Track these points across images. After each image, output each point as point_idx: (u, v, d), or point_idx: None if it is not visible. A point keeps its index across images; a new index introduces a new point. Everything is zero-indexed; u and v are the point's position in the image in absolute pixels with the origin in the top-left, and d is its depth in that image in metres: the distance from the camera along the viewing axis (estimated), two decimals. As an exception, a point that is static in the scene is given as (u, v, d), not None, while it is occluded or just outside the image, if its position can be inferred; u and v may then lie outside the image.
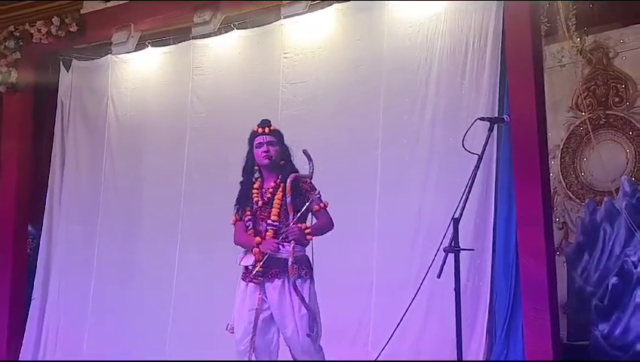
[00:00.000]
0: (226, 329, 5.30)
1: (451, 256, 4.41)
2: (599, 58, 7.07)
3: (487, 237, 6.55)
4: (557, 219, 6.99)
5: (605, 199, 6.64)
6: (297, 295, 5.05)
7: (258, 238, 5.20)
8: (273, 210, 5.21)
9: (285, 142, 5.42)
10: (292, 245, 5.07)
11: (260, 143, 5.35)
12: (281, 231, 5.16)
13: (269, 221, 5.20)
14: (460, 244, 4.45)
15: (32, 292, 9.09)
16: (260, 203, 5.30)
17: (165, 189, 8.50)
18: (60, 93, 9.36)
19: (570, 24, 6.95)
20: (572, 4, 6.94)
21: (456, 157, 6.30)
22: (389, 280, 6.87)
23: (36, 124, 9.32)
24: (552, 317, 6.08)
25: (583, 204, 6.89)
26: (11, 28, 8.98)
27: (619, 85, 6.99)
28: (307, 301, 5.08)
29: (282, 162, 5.34)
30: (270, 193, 5.28)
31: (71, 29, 8.60)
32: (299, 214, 5.11)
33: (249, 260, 5.23)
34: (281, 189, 5.22)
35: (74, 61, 9.28)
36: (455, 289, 4.44)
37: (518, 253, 6.32)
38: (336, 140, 7.29)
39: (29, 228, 9.28)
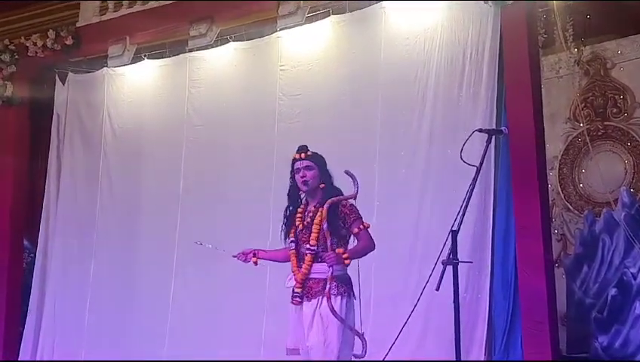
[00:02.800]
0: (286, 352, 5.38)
1: (450, 268, 4.39)
2: (597, 69, 7.06)
3: (485, 249, 6.53)
4: (556, 231, 6.96)
5: (604, 210, 6.61)
6: (335, 316, 5.07)
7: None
8: (312, 234, 5.25)
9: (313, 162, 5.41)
10: (330, 269, 5.09)
11: (297, 169, 5.40)
12: (319, 255, 5.20)
13: (308, 246, 5.25)
14: (459, 256, 4.42)
15: (27, 306, 9.05)
16: (300, 226, 5.36)
17: (162, 202, 8.48)
18: (55, 106, 9.36)
19: (567, 35, 6.95)
20: (569, 16, 6.93)
21: (454, 169, 6.28)
22: (388, 292, 6.85)
23: (32, 137, 9.32)
24: (551, 330, 6.05)
25: (582, 215, 6.87)
26: (7, 41, 9.00)
27: (617, 96, 6.98)
28: (344, 318, 5.11)
29: (322, 185, 5.38)
30: (310, 217, 5.33)
31: (67, 42, 8.61)
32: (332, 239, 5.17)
33: (293, 282, 5.32)
34: (319, 214, 5.25)
35: (70, 74, 9.27)
36: (454, 302, 4.42)
37: (517, 265, 6.30)
38: (333, 153, 7.17)
39: (25, 241, 9.26)
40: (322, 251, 5.19)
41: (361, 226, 5.28)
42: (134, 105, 8.85)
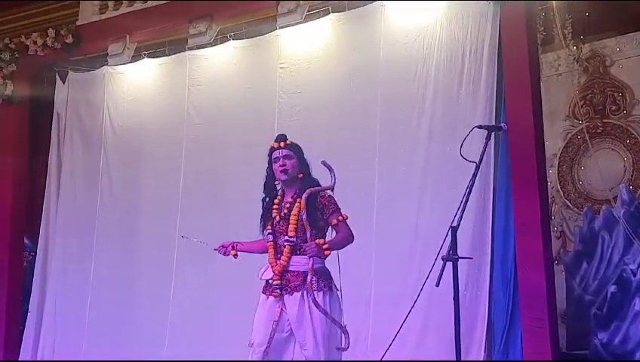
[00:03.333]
0: (249, 345, 5.30)
1: (449, 264, 4.40)
2: (596, 66, 7.05)
3: (485, 246, 6.53)
4: (555, 228, 6.96)
5: (603, 207, 6.62)
6: (318, 309, 5.05)
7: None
8: (290, 225, 5.21)
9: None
10: (311, 261, 5.05)
11: (276, 158, 5.37)
12: (298, 246, 5.17)
13: (286, 237, 5.21)
14: (458, 253, 4.43)
15: (28, 305, 9.06)
16: (277, 218, 5.32)
17: (162, 201, 8.48)
18: (56, 105, 9.37)
19: (566, 33, 6.94)
20: (568, 13, 6.93)
21: (454, 166, 6.31)
22: (388, 289, 6.85)
23: (32, 136, 9.32)
24: (551, 326, 6.06)
25: (581, 212, 6.87)
26: (7, 40, 9.00)
27: (616, 93, 6.97)
28: (329, 313, 5.09)
29: (300, 175, 5.35)
30: (287, 208, 5.29)
31: (67, 41, 8.62)
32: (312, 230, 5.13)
33: (269, 274, 5.27)
34: (297, 204, 5.22)
35: (70, 73, 9.28)
36: (454, 298, 4.43)
37: (517, 262, 6.31)
38: (332, 150, 7.24)
39: (26, 240, 9.27)
40: (301, 242, 5.15)
41: (340, 218, 5.25)
42: (134, 103, 8.86)
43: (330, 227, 5.28)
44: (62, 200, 9.19)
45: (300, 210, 5.16)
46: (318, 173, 5.40)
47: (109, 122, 8.98)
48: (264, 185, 5.51)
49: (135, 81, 8.86)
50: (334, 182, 5.27)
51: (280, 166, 5.33)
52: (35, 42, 8.77)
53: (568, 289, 6.62)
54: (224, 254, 5.54)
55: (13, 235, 9.02)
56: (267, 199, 5.49)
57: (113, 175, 8.93)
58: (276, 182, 5.46)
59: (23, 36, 8.89)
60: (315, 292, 5.06)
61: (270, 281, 5.25)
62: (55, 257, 9.12)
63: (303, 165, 5.39)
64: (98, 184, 8.94)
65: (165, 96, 8.67)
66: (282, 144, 5.40)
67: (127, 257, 8.63)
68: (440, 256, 4.44)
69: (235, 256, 5.52)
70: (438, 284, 4.33)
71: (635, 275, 6.11)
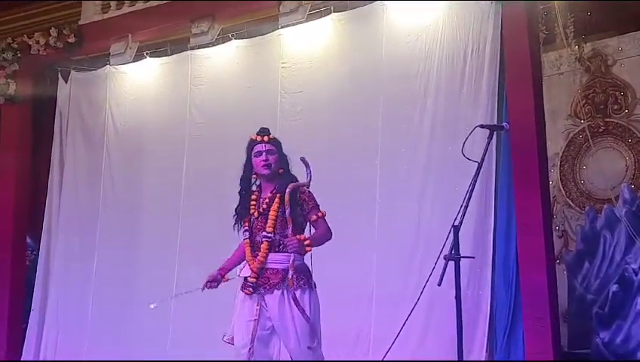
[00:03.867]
0: (223, 338, 5.27)
1: (451, 263, 4.40)
2: (597, 66, 7.04)
3: (487, 245, 6.54)
4: (557, 227, 6.95)
5: (605, 207, 6.61)
6: (297, 307, 4.98)
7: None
8: (269, 221, 5.12)
9: (284, 152, 5.35)
10: (292, 257, 5.00)
11: (258, 152, 5.26)
12: (277, 243, 5.11)
13: (264, 233, 5.13)
14: (460, 252, 4.43)
15: (30, 304, 9.07)
16: (256, 214, 5.24)
17: (164, 200, 8.49)
18: (58, 104, 9.38)
19: (568, 32, 6.93)
20: (570, 13, 6.92)
21: (455, 165, 6.31)
22: (389, 289, 6.86)
23: (34, 135, 9.34)
24: (552, 326, 6.07)
25: (583, 211, 6.86)
26: (9, 39, 9.02)
27: (617, 93, 6.96)
28: (308, 312, 5.02)
29: (281, 171, 5.25)
30: (266, 204, 5.19)
31: (69, 40, 8.63)
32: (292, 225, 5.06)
33: (247, 271, 5.18)
34: (277, 200, 5.13)
35: (72, 72, 9.30)
36: (456, 298, 4.43)
37: (518, 262, 6.31)
38: (334, 150, 7.28)
39: (28, 239, 9.28)
40: (281, 239, 5.08)
41: (319, 213, 5.17)
42: (136, 103, 8.86)
43: (308, 223, 5.19)
44: (64, 199, 9.21)
45: (284, 206, 5.07)
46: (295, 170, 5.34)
47: (112, 121, 8.99)
48: (241, 178, 5.41)
49: (137, 80, 8.87)
50: (310, 179, 5.20)
51: (263, 161, 5.23)
52: (37, 42, 8.78)
53: (570, 289, 6.61)
54: (216, 286, 5.41)
55: (15, 234, 9.03)
56: (243, 193, 5.38)
57: (115, 174, 8.94)
58: (253, 177, 5.38)
59: (25, 36, 8.91)
60: (296, 290, 4.99)
61: (248, 278, 5.16)
62: (57, 256, 9.13)
63: (283, 160, 5.29)
64: (100, 183, 8.96)
65: (167, 95, 8.68)
66: (265, 138, 5.30)
67: (129, 255, 8.64)
68: (442, 255, 4.44)
69: (226, 280, 5.40)
70: (440, 284, 4.32)
71: (636, 274, 6.10)
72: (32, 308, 9.09)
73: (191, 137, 8.40)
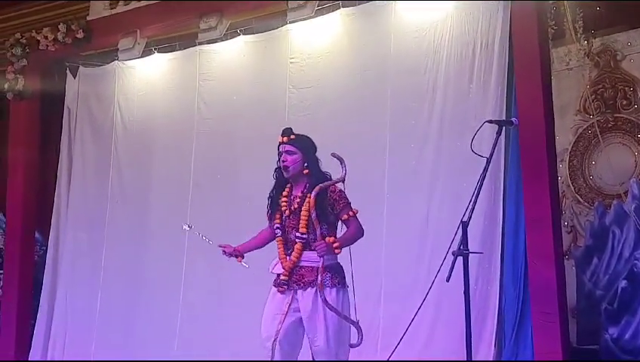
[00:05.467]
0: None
1: (460, 259, 4.39)
2: (607, 61, 7.04)
3: (495, 240, 6.52)
4: (566, 223, 6.96)
5: (614, 202, 6.61)
6: (329, 308, 4.98)
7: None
8: (301, 221, 5.13)
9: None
10: (321, 260, 4.99)
11: (279, 153, 5.29)
12: (312, 241, 5.09)
13: (297, 234, 5.15)
14: (469, 248, 4.43)
15: (39, 299, 9.10)
16: (287, 212, 5.25)
17: (172, 196, 8.49)
18: (66, 99, 9.39)
19: (577, 27, 6.94)
20: (579, 8, 6.92)
21: (464, 160, 6.30)
22: (398, 284, 6.85)
23: (43, 131, 9.34)
24: (561, 322, 6.05)
25: (592, 207, 6.87)
26: (18, 35, 9.02)
27: (627, 88, 6.96)
28: (341, 310, 5.04)
29: (305, 171, 5.24)
30: (297, 203, 5.21)
31: (77, 36, 8.63)
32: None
33: (280, 268, 5.21)
34: (307, 200, 5.12)
35: (80, 68, 9.31)
36: (464, 293, 4.43)
37: (527, 257, 6.30)
38: (343, 145, 7.20)
39: (37, 235, 9.30)
40: (312, 240, 5.07)
41: (350, 213, 5.16)
42: (145, 98, 8.86)
43: (339, 222, 5.21)
44: (73, 195, 9.22)
45: (310, 208, 5.07)
46: (330, 165, 5.31)
47: (120, 117, 9.00)
48: (274, 176, 5.42)
49: (146, 76, 8.87)
50: (345, 174, 5.18)
51: (282, 162, 5.25)
52: (46, 37, 8.78)
53: (579, 284, 6.62)
54: (228, 256, 5.45)
55: (24, 230, 9.05)
56: (275, 190, 5.39)
57: (124, 170, 8.94)
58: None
59: (34, 31, 8.90)
60: (328, 289, 5.01)
61: (281, 275, 5.19)
62: (66, 251, 9.14)
63: (310, 159, 5.27)
64: (109, 179, 8.96)
65: (175, 90, 8.67)
66: (285, 139, 5.31)
67: (137, 250, 8.65)
68: (450, 250, 4.44)
69: (240, 261, 5.43)
70: (448, 279, 4.32)
71: (645, 270, 6.10)
72: (40, 304, 9.11)
73: (199, 132, 8.39)
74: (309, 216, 5.09)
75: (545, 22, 6.60)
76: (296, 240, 5.15)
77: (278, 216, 5.30)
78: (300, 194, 5.24)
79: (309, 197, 5.09)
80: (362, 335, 5.15)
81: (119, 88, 9.01)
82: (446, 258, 4.49)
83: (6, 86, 9.00)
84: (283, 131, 5.37)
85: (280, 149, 5.29)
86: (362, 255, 7.01)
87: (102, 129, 9.15)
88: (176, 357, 7.91)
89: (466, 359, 4.44)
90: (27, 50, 8.97)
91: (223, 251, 5.45)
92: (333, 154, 5.22)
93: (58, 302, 9.07)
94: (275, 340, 5.09)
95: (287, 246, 5.23)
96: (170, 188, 8.56)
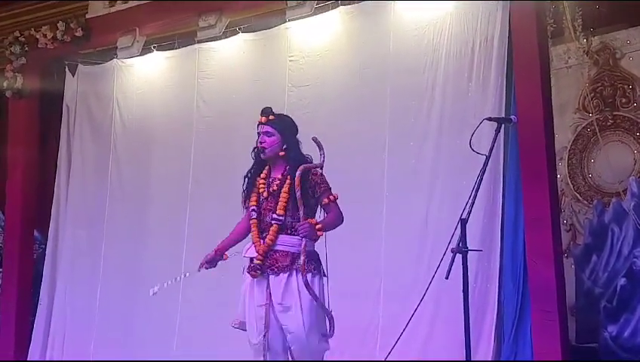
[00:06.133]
0: (231, 325, 5.18)
1: (459, 257, 4.39)
2: (606, 59, 7.03)
3: (494, 238, 6.53)
4: (565, 221, 6.95)
5: (613, 200, 6.61)
6: (310, 293, 4.85)
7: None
8: (279, 203, 4.99)
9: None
10: (303, 242, 4.87)
11: (258, 133, 5.16)
12: (288, 225, 4.98)
13: (274, 215, 4.99)
14: (468, 245, 4.42)
15: (38, 297, 9.10)
16: (265, 194, 5.10)
17: (171, 193, 8.49)
18: (65, 98, 9.39)
19: (576, 25, 6.92)
20: (578, 5, 6.91)
21: (463, 158, 6.31)
22: (397, 282, 6.86)
23: (42, 129, 9.34)
24: (560, 319, 6.06)
25: (591, 205, 6.86)
26: (17, 33, 9.00)
27: (626, 86, 6.95)
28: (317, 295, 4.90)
29: (282, 153, 5.10)
30: (277, 185, 5.07)
31: (76, 34, 8.61)
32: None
33: (253, 252, 5.05)
34: (288, 181, 5.00)
35: (79, 66, 9.30)
36: (463, 291, 4.42)
37: (526, 255, 6.30)
38: (342, 143, 7.25)
39: (36, 233, 9.29)
40: (292, 222, 4.95)
41: (331, 197, 5.02)
42: (144, 96, 8.86)
43: (320, 206, 5.06)
44: (72, 193, 9.22)
45: (295, 187, 4.92)
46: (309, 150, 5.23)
47: (119, 115, 9.00)
48: (253, 157, 5.28)
49: (144, 74, 8.87)
50: (323, 161, 5.08)
51: (259, 142, 5.12)
52: (44, 35, 8.77)
53: (578, 283, 6.61)
54: (213, 265, 5.31)
55: (23, 228, 9.04)
56: (252, 171, 5.25)
57: (123, 168, 8.94)
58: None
59: (32, 29, 8.89)
60: (308, 275, 4.85)
61: (255, 260, 5.01)
62: (65, 249, 9.14)
63: (289, 141, 5.12)
64: (108, 177, 8.96)
65: (175, 88, 8.67)
66: (263, 119, 5.16)
67: (136, 248, 8.65)
68: (450, 248, 4.43)
69: (225, 258, 5.31)
70: (447, 277, 4.31)
71: (644, 268, 6.11)
72: (39, 302, 9.10)
73: (198, 130, 8.40)
74: (289, 197, 4.96)
75: (544, 20, 6.60)
76: (273, 221, 5.00)
77: (254, 198, 5.16)
78: (279, 176, 5.10)
79: (289, 179, 4.99)
80: (334, 326, 4.98)
81: (118, 86, 9.01)
82: (445, 255, 4.49)
83: (5, 84, 8.99)
84: (262, 111, 5.23)
85: (258, 130, 5.16)
86: (362, 252, 7.06)
87: (101, 127, 9.15)
88: (175, 356, 7.91)
89: (465, 357, 4.44)
90: (26, 48, 8.95)
91: (206, 267, 5.35)
92: (314, 139, 5.11)
93: (57, 300, 9.06)
94: (265, 334, 4.95)
95: (262, 229, 5.07)
96: (169, 186, 8.56)
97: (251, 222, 5.15)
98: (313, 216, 5.04)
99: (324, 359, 5.12)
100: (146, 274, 8.49)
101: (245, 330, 5.13)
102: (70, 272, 9.05)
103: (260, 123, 5.17)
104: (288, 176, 5.03)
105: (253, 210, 5.15)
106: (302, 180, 4.95)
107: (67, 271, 9.07)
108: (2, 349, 8.78)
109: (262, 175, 5.19)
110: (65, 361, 8.70)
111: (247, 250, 5.12)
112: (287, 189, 4.99)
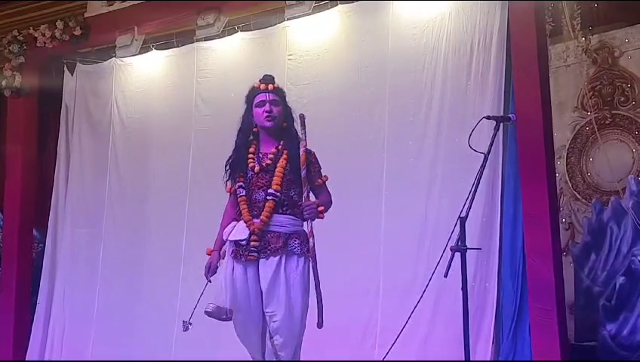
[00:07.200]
0: (206, 310, 4.90)
1: (458, 255, 4.39)
2: (604, 57, 7.04)
3: (493, 237, 6.53)
4: (563, 220, 6.96)
5: (612, 199, 6.60)
6: (315, 279, 4.67)
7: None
8: (275, 178, 4.73)
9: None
10: (310, 224, 4.70)
11: (262, 102, 4.88)
12: (282, 203, 4.74)
13: (270, 191, 4.72)
14: (467, 244, 4.43)
15: (37, 297, 9.09)
16: (256, 168, 4.81)
17: (170, 192, 8.49)
18: (64, 97, 9.38)
19: (575, 24, 6.93)
20: (577, 4, 6.92)
21: (462, 157, 6.30)
22: (396, 281, 6.85)
23: (41, 128, 9.32)
24: (559, 318, 6.06)
25: (590, 204, 6.86)
26: (15, 32, 8.98)
27: (624, 85, 6.96)
28: (307, 281, 4.73)
29: (285, 125, 4.90)
30: (270, 159, 4.82)
31: (75, 33, 8.60)
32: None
33: (241, 233, 4.76)
34: (285, 156, 4.79)
35: (78, 65, 9.29)
36: (462, 289, 4.43)
37: (525, 254, 6.30)
38: (341, 142, 7.27)
39: (34, 232, 9.28)
40: (285, 199, 4.69)
41: (324, 178, 4.87)
42: (142, 95, 8.85)
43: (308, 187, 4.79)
44: (70, 192, 9.21)
45: (291, 164, 4.71)
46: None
47: (117, 114, 8.99)
48: (239, 129, 5.01)
49: (143, 72, 8.86)
50: (305, 140, 4.84)
51: (266, 111, 4.82)
52: (43, 34, 8.76)
53: (577, 281, 6.61)
54: (216, 267, 4.96)
55: (22, 227, 9.02)
56: (236, 152, 4.94)
57: (121, 166, 8.93)
58: (254, 130, 4.99)
59: (31, 28, 8.87)
60: (296, 258, 4.66)
61: (244, 243, 4.71)
62: (64, 248, 9.13)
63: (288, 113, 4.93)
64: (106, 175, 8.95)
65: (173, 87, 8.67)
66: (270, 86, 4.91)
67: (135, 248, 8.64)
68: (448, 246, 4.43)
69: (223, 256, 4.96)
70: (446, 275, 4.31)
71: (643, 266, 6.09)
72: (38, 301, 9.09)
73: (197, 129, 8.39)
74: (284, 173, 4.74)
75: (542, 19, 6.60)
76: (268, 198, 4.71)
77: (241, 175, 4.86)
78: (273, 150, 4.84)
79: (286, 154, 4.77)
80: (323, 316, 4.75)
81: (117, 85, 9.00)
82: (444, 254, 4.49)
83: (3, 83, 8.98)
84: (265, 77, 5.02)
85: (262, 98, 4.90)
86: (361, 251, 7.06)
87: (99, 126, 9.14)
88: (175, 356, 7.91)
89: (463, 355, 4.44)
90: (24, 47, 8.94)
91: (211, 271, 5.01)
92: (301, 116, 4.89)
93: (56, 299, 9.05)
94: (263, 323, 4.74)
95: (252, 206, 4.76)
96: (168, 185, 8.55)
97: (240, 199, 4.86)
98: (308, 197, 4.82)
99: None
100: (144, 273, 8.50)
101: (220, 319, 4.85)
102: (69, 271, 9.04)
103: (266, 90, 4.94)
104: (284, 151, 4.82)
105: (241, 186, 4.86)
106: (307, 158, 4.76)
107: (66, 270, 9.05)
108: (1, 349, 8.77)
109: (250, 149, 4.92)
110: (64, 361, 8.69)
111: (231, 232, 4.83)
112: (284, 164, 4.77)
